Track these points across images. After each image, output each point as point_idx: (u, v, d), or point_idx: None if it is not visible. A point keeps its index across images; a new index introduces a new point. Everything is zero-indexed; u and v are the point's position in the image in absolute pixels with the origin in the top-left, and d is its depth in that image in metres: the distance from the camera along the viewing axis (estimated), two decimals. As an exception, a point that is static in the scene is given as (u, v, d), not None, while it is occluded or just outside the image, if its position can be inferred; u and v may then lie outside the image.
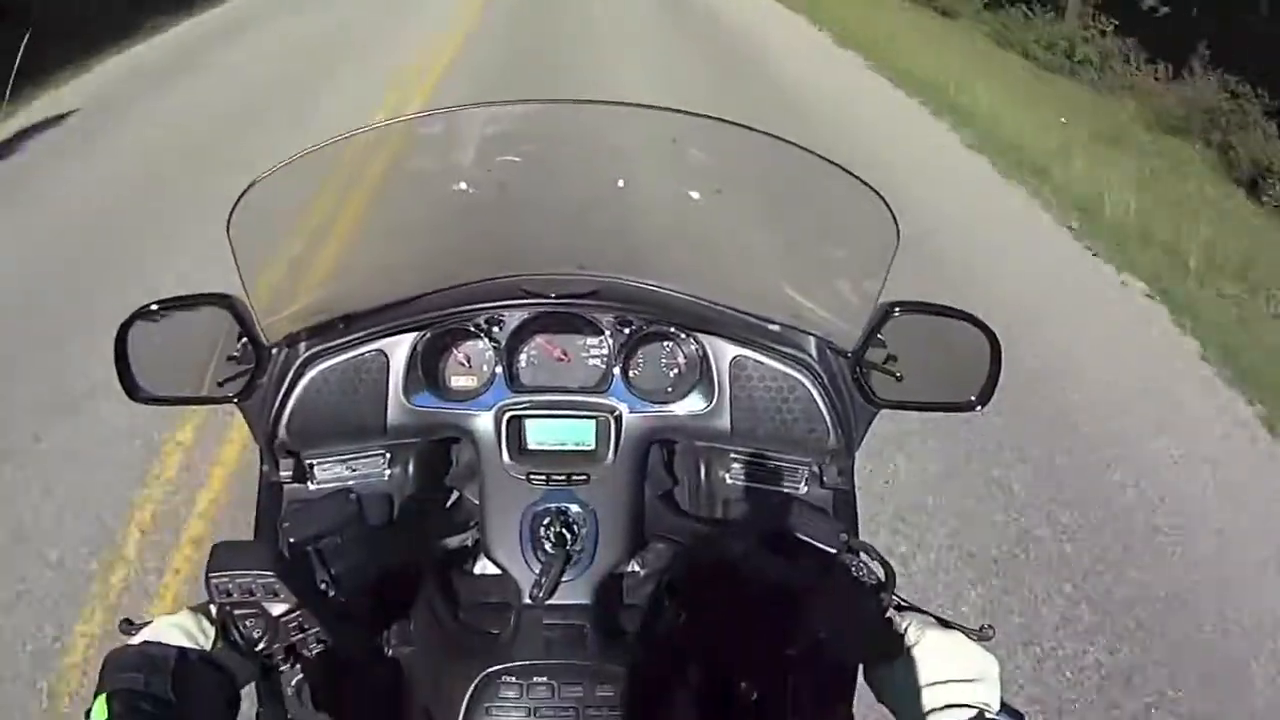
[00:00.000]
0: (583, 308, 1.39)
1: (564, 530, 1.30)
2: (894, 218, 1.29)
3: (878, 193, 1.28)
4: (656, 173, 1.55)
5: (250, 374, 1.36)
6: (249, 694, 1.18)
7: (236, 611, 1.10)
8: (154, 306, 1.34)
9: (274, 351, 1.38)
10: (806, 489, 1.43)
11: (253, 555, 1.10)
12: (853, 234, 1.43)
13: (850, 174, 1.29)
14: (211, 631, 1.10)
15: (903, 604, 1.21)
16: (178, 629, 1.08)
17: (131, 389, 1.34)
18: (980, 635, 1.15)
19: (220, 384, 1.38)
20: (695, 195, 1.51)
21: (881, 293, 1.33)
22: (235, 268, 1.29)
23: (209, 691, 1.05)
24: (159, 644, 1.04)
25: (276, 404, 1.38)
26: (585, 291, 1.39)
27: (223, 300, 1.33)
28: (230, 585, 1.08)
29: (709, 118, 1.36)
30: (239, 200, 1.28)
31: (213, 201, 1.62)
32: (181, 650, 1.04)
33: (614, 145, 1.50)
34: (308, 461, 1.42)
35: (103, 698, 0.97)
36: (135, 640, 1.08)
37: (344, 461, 1.42)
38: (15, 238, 5.92)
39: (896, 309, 1.34)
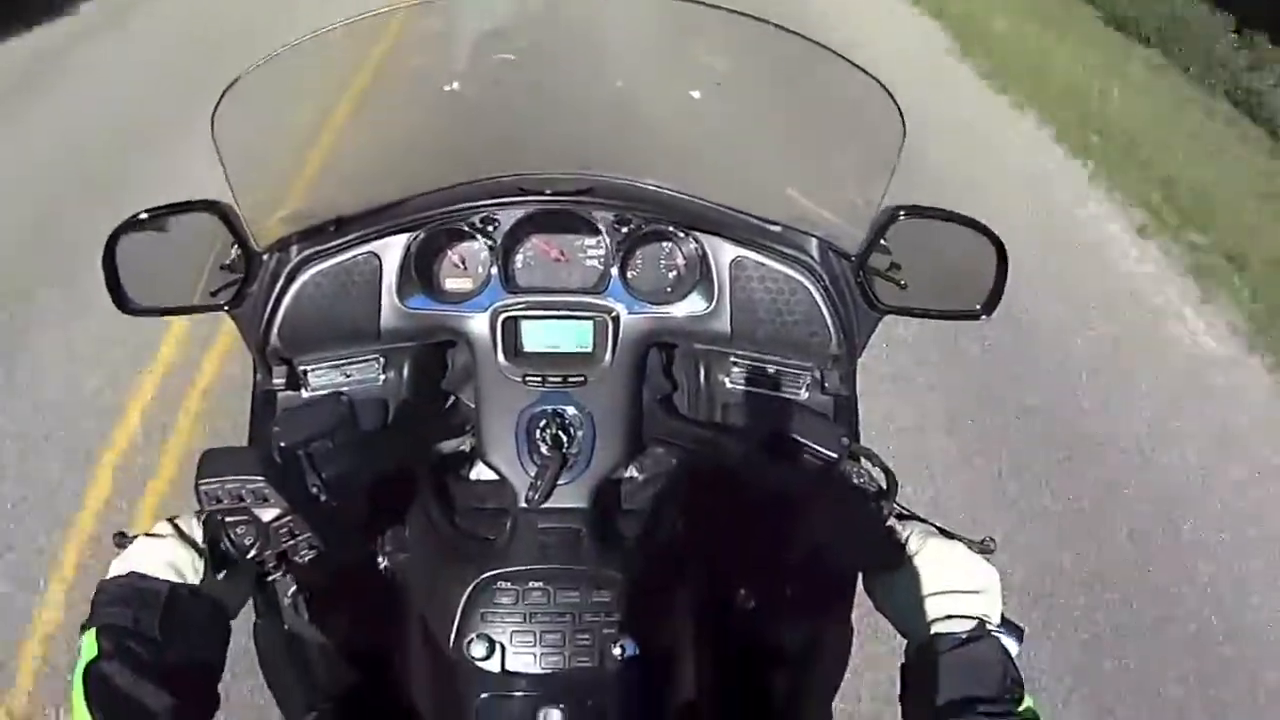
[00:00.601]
0: (580, 206, 1.35)
1: (560, 433, 1.29)
2: (899, 112, 1.24)
3: (883, 85, 1.23)
4: (656, 69, 1.49)
5: (241, 281, 1.34)
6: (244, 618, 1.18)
7: (227, 519, 1.09)
8: (143, 215, 1.30)
9: (265, 257, 1.35)
10: (807, 395, 1.41)
11: (242, 461, 1.09)
12: (857, 130, 1.38)
13: (854, 65, 1.24)
14: (197, 559, 1.08)
15: (904, 513, 1.19)
16: (167, 559, 1.06)
17: (121, 301, 1.31)
18: (982, 548, 1.13)
19: (213, 293, 1.36)
20: (696, 95, 1.46)
21: (886, 193, 1.29)
22: (222, 170, 1.27)
23: (199, 626, 1.04)
24: (150, 578, 1.03)
25: (268, 310, 1.35)
26: (582, 189, 1.35)
27: (212, 207, 1.29)
28: (220, 492, 1.07)
29: (711, 6, 1.30)
30: (223, 97, 1.24)
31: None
32: (172, 586, 1.03)
33: (612, 40, 1.44)
34: (301, 368, 1.40)
35: (92, 632, 0.97)
36: (121, 562, 1.06)
37: (337, 367, 1.40)
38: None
39: (901, 212, 1.30)
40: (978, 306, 1.35)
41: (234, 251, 1.33)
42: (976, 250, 1.32)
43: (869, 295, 1.35)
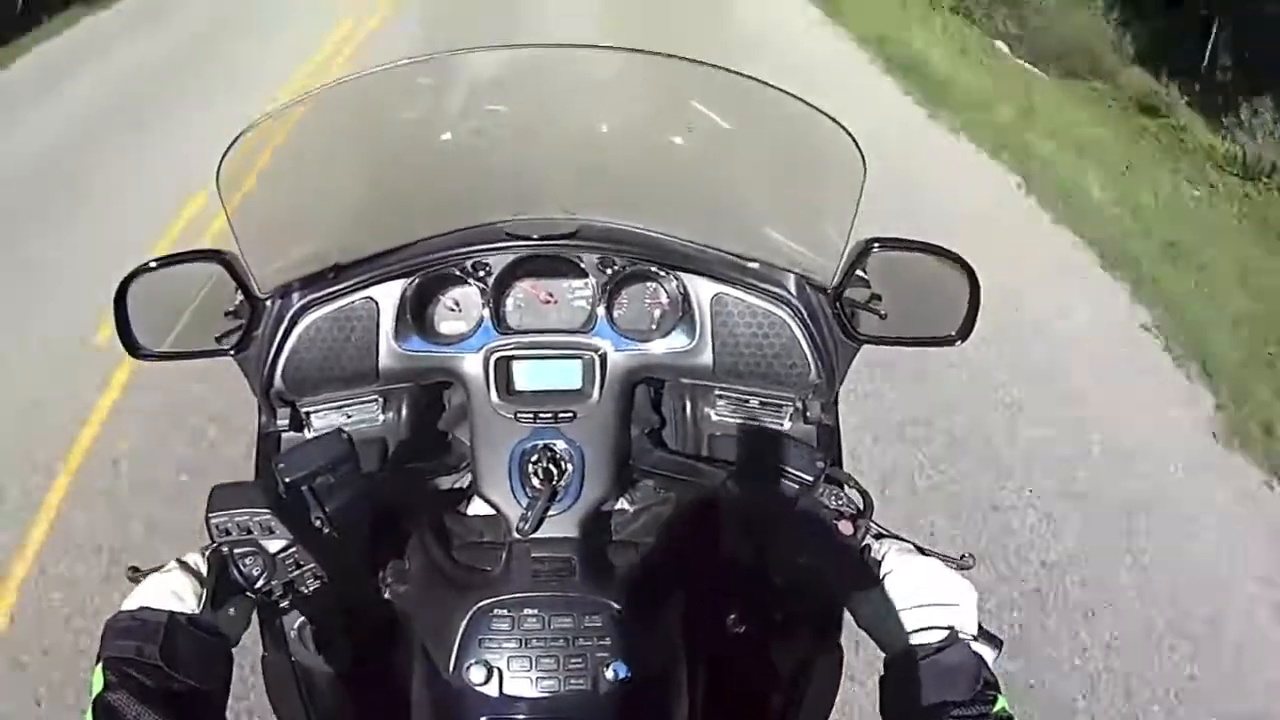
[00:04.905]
0: (566, 249, 1.41)
1: (551, 466, 1.33)
2: (860, 151, 1.31)
3: (843, 126, 1.30)
4: (636, 117, 1.56)
5: (245, 326, 1.40)
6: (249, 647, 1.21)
7: (236, 551, 1.15)
8: (152, 264, 1.38)
9: (267, 303, 1.42)
10: (790, 424, 1.46)
11: (249, 495, 1.16)
12: (821, 168, 1.45)
13: (814, 108, 1.31)
14: (202, 591, 1.12)
15: (882, 532, 1.23)
16: (171, 591, 1.10)
17: (132, 346, 1.38)
18: (959, 564, 1.17)
19: (218, 338, 1.42)
20: (678, 140, 1.53)
21: (854, 227, 1.35)
22: (226, 219, 1.34)
23: (200, 652, 1.07)
24: (151, 609, 1.07)
25: (271, 353, 1.41)
26: (568, 233, 1.42)
27: (216, 256, 1.37)
28: (229, 524, 1.14)
29: (685, 60, 1.38)
30: (227, 151, 1.31)
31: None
32: (171, 615, 1.06)
33: (593, 89, 1.52)
34: (304, 410, 1.46)
35: (100, 666, 1.02)
36: (132, 598, 1.11)
37: (339, 408, 1.46)
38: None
39: (875, 245, 1.36)
40: (953, 332, 1.40)
41: (238, 298, 1.40)
42: (949, 277, 1.38)
43: (846, 326, 1.40)
